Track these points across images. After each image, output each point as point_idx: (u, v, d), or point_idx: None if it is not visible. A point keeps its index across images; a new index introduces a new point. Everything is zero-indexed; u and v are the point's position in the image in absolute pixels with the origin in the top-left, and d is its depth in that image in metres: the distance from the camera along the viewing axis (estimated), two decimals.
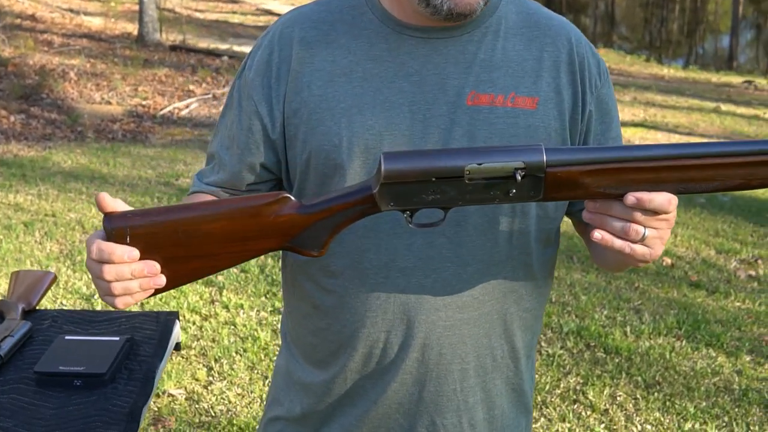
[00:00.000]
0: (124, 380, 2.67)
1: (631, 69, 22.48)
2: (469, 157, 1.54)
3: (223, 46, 17.98)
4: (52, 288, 3.52)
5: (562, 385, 4.96)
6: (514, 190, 1.56)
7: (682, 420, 4.66)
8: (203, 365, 5.07)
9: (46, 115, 12.55)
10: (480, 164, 1.53)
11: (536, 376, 5.01)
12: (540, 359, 5.24)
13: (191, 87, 14.65)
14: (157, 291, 1.61)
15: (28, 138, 11.49)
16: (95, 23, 18.81)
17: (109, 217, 1.56)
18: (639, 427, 4.59)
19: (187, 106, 13.59)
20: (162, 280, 1.58)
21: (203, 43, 18.03)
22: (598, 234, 1.58)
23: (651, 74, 21.88)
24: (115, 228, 1.55)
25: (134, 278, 1.56)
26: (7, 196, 8.38)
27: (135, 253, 1.55)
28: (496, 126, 1.77)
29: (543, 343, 5.46)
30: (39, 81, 13.58)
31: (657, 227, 1.58)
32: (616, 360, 5.30)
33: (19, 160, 10.22)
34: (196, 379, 4.91)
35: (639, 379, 5.08)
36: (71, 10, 19.77)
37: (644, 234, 1.56)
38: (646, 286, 6.57)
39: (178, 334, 3.22)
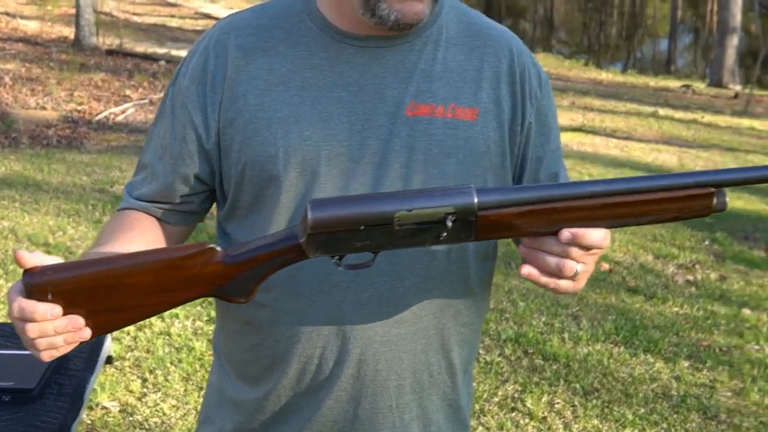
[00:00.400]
0: (53, 396, 2.62)
1: (570, 73, 22.63)
2: (398, 203, 1.51)
3: (161, 51, 17.83)
4: None
5: (500, 393, 4.93)
6: (445, 234, 1.54)
7: (620, 427, 4.65)
8: (137, 376, 4.98)
9: None
10: (410, 210, 1.51)
11: (474, 384, 4.99)
12: (478, 367, 5.21)
13: (128, 92, 14.49)
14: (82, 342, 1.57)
15: None
16: (31, 27, 18.59)
17: (29, 273, 1.50)
18: None
19: (123, 112, 13.43)
20: (86, 333, 1.53)
21: (140, 48, 17.88)
22: (525, 270, 1.57)
23: (589, 79, 22.04)
24: (36, 284, 1.50)
25: (58, 334, 1.51)
26: None
27: (57, 310, 1.50)
28: (435, 137, 1.74)
29: (481, 351, 5.42)
30: None
31: (588, 262, 1.57)
32: (554, 367, 5.28)
33: None
34: (130, 391, 4.82)
35: (577, 385, 5.06)
36: (7, 14, 19.52)
37: (577, 270, 1.55)
38: (584, 292, 6.55)
39: (109, 347, 3.17)
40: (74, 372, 2.83)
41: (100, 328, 1.57)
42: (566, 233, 1.51)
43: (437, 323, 1.83)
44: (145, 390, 4.83)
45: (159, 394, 4.79)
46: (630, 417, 4.73)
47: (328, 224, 1.52)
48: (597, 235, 1.52)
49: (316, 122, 1.73)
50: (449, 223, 1.50)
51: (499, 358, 5.34)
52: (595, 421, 4.69)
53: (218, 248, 1.59)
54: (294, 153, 1.72)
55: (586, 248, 1.53)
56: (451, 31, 1.83)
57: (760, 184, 1.58)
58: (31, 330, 1.49)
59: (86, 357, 2.96)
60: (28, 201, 8.33)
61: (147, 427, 4.50)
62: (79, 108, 13.32)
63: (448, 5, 1.86)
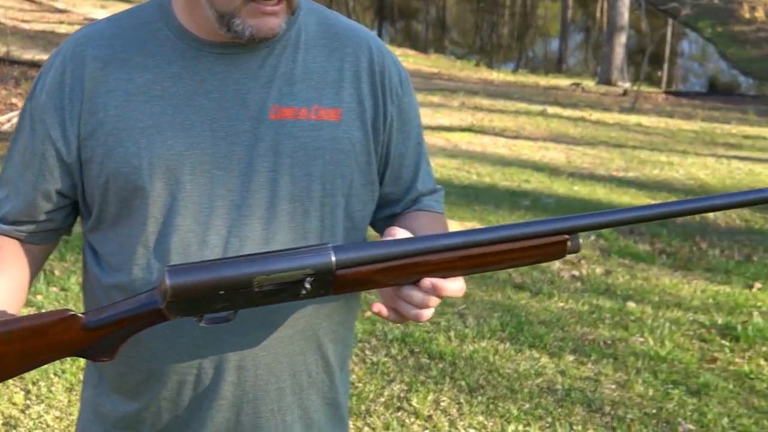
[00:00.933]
0: None
1: (461, 74, 22.79)
2: (257, 267, 1.53)
3: None
4: None
5: (386, 393, 4.91)
6: (304, 292, 1.56)
7: (505, 422, 4.66)
8: (20, 388, 4.87)
9: None
10: (269, 274, 1.53)
11: (360, 385, 4.97)
12: (364, 368, 5.20)
13: (14, 100, 14.21)
14: None
15: None
16: None
17: None
18: None
19: (8, 120, 13.18)
20: None
21: (28, 55, 17.52)
22: (376, 308, 1.63)
23: (480, 79, 22.21)
24: None
25: None
26: None
27: None
28: (300, 140, 1.75)
29: (367, 352, 5.41)
30: None
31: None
32: (440, 365, 5.28)
33: None
34: (13, 404, 4.71)
35: (463, 383, 5.07)
36: None
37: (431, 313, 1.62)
38: (470, 290, 6.58)
39: None
40: None
41: None
42: (427, 283, 1.57)
43: (313, 324, 1.83)
44: (28, 402, 4.72)
45: (42, 405, 4.68)
46: (515, 412, 4.75)
47: (186, 291, 1.52)
48: (455, 287, 1.60)
49: (179, 131, 1.72)
50: (307, 285, 1.54)
51: (386, 359, 5.32)
52: (480, 418, 4.70)
53: (79, 315, 1.59)
54: (158, 163, 1.71)
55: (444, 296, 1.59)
56: (310, 33, 1.84)
57: (610, 227, 1.66)
58: None
59: None
60: None
61: None
62: None
63: (306, 7, 1.86)
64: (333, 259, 1.55)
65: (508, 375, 5.20)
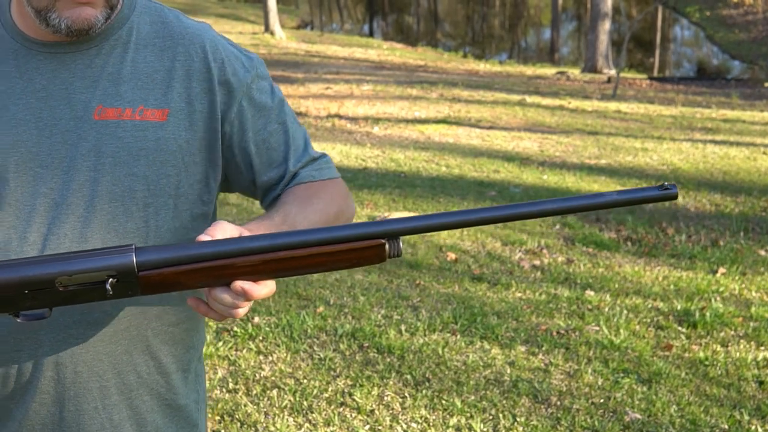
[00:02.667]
0: None
1: (447, 66, 22.79)
2: (57, 266, 1.53)
3: None
4: None
5: (330, 389, 4.88)
6: (111, 292, 1.55)
7: (448, 416, 4.63)
8: None
9: None
10: (70, 275, 1.53)
11: (304, 381, 4.95)
12: (311, 364, 5.17)
13: None
14: None
15: None
16: None
17: None
18: (404, 426, 4.54)
19: None
20: None
21: None
22: (191, 302, 1.63)
23: (466, 70, 22.21)
24: None
25: None
26: None
27: None
28: (123, 140, 1.75)
29: (316, 348, 5.38)
30: None
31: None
32: (388, 359, 5.25)
33: None
34: None
35: (409, 377, 5.04)
36: None
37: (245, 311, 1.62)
38: (427, 283, 6.56)
39: None
40: None
41: None
42: (238, 287, 1.56)
43: (138, 324, 1.82)
44: None
45: None
46: (459, 405, 4.71)
47: None
48: (265, 291, 1.58)
49: (5, 129, 1.73)
50: (109, 286, 1.53)
51: (334, 354, 5.29)
52: (423, 411, 4.67)
53: None
54: None
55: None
56: (143, 32, 1.84)
57: (428, 232, 1.63)
58: None
59: None
60: None
61: None
62: None
63: (141, 6, 1.87)
64: (134, 260, 1.54)
65: (455, 368, 5.17)
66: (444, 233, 7.66)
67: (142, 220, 1.77)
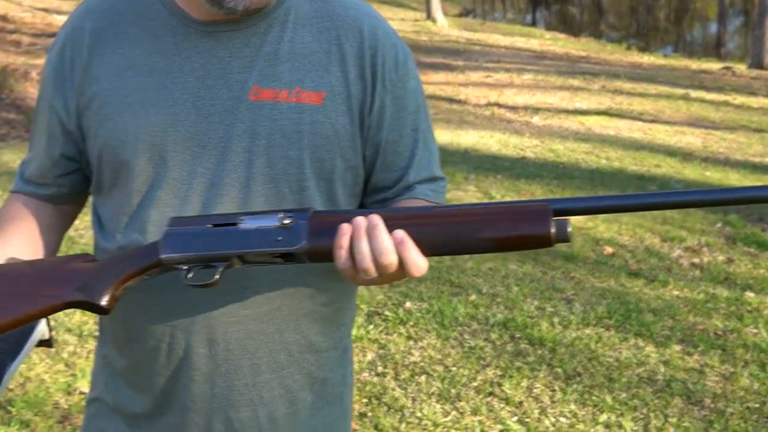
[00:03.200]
0: None
1: (611, 57, 22.42)
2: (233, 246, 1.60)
3: None
4: None
5: (479, 378, 4.86)
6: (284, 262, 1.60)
7: (598, 412, 4.56)
8: None
9: (3, 115, 12.42)
10: (242, 257, 1.60)
11: (454, 368, 4.93)
12: (461, 352, 5.15)
13: None
14: None
15: None
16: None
17: None
18: (553, 420, 4.49)
19: None
20: None
21: None
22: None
23: (629, 62, 21.80)
24: None
25: None
26: None
27: None
28: (279, 122, 1.74)
29: (466, 336, 5.36)
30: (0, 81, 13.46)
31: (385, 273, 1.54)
32: (539, 351, 5.20)
33: None
34: None
35: (559, 370, 4.98)
36: (45, 10, 19.63)
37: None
38: (582, 276, 6.47)
39: (42, 331, 3.13)
40: None
41: None
42: (399, 234, 1.51)
43: (291, 304, 1.81)
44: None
45: None
46: (609, 402, 4.63)
47: (180, 222, 1.64)
48: (416, 255, 1.51)
49: (163, 108, 1.74)
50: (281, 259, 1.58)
51: (484, 343, 5.27)
52: (573, 406, 4.61)
53: (91, 256, 1.72)
54: (142, 139, 1.73)
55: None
56: (301, 12, 1.81)
57: (604, 213, 1.56)
58: None
59: (14, 340, 2.94)
60: None
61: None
62: None
63: None
64: (305, 244, 1.57)
65: (608, 363, 5.08)
66: (602, 226, 7.55)
67: (296, 203, 1.75)
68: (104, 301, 1.63)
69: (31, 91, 13.46)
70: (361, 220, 1.52)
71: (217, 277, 1.60)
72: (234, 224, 1.59)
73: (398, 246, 1.50)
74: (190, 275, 1.61)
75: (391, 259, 1.50)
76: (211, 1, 1.68)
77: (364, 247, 1.51)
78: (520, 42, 23.78)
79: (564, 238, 1.51)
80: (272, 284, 1.77)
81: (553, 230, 1.50)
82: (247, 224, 1.58)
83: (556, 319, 5.64)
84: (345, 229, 1.52)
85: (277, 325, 1.81)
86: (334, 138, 1.76)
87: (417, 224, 1.52)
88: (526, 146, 11.74)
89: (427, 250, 1.52)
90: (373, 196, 1.90)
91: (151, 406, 1.87)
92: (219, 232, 1.60)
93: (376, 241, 1.50)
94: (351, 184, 1.83)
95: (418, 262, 1.51)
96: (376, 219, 1.51)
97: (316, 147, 1.75)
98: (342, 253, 1.52)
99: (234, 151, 1.73)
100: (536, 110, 14.43)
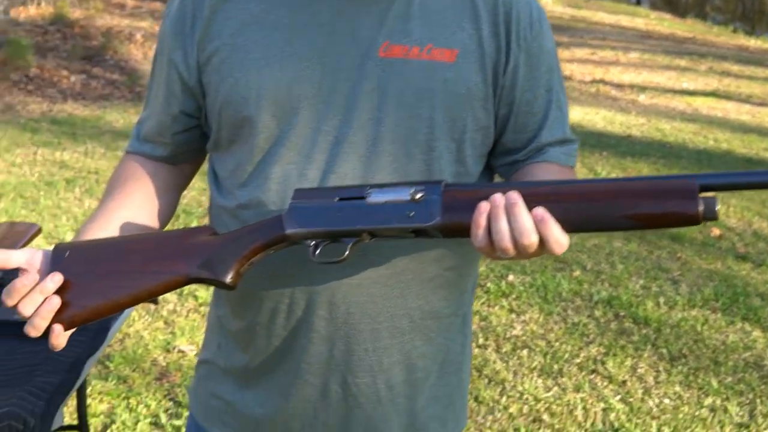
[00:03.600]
0: (77, 330, 2.61)
1: (717, 40, 21.99)
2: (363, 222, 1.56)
3: None
4: (38, 240, 3.46)
5: (582, 355, 4.80)
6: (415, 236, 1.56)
7: (703, 395, 4.47)
8: None
9: (107, 75, 12.57)
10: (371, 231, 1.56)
11: (556, 344, 4.88)
12: (564, 327, 5.09)
13: None
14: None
15: (86, 98, 11.52)
16: None
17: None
18: (656, 401, 4.41)
19: None
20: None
21: None
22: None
23: (736, 45, 21.37)
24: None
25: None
26: (53, 153, 8.41)
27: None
28: (409, 79, 1.67)
29: (569, 312, 5.30)
30: (104, 42, 13.58)
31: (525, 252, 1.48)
32: (644, 331, 5.12)
33: (72, 119, 10.27)
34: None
35: (664, 351, 4.89)
36: None
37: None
38: (688, 257, 6.35)
39: None
40: None
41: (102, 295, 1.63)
42: (539, 211, 1.43)
43: (415, 267, 1.75)
44: None
45: None
46: (715, 385, 4.54)
47: (304, 195, 1.60)
48: (558, 232, 1.45)
49: (288, 64, 1.68)
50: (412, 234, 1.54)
51: (587, 320, 5.20)
52: (677, 388, 4.52)
53: (213, 229, 1.68)
54: (266, 95, 1.68)
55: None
56: None
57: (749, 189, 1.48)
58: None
59: None
60: None
61: None
62: None
63: None
64: (438, 220, 1.52)
65: (714, 347, 4.98)
66: None
67: (424, 163, 1.70)
68: (229, 278, 1.61)
69: (134, 53, 13.61)
70: (498, 198, 1.46)
71: (347, 253, 1.57)
72: (362, 197, 1.54)
73: (539, 224, 1.43)
74: (317, 251, 1.58)
75: (532, 239, 1.44)
76: None
77: (503, 225, 1.45)
78: (625, 21, 23.44)
79: (712, 216, 1.43)
80: (396, 247, 1.72)
81: (701, 208, 1.42)
82: (376, 198, 1.53)
83: (661, 299, 5.55)
84: (483, 207, 1.46)
85: (401, 289, 1.75)
86: (467, 97, 1.70)
87: (557, 201, 1.46)
88: (633, 124, 11.59)
89: (568, 227, 1.45)
90: (503, 158, 1.84)
91: (264, 367, 1.85)
92: (347, 207, 1.55)
93: (516, 219, 1.44)
94: (480, 145, 1.77)
95: (561, 240, 1.44)
96: (516, 196, 1.45)
97: (448, 106, 1.69)
98: (480, 232, 1.46)
99: (361, 108, 1.67)
100: (642, 89, 14.21)
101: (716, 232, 6.90)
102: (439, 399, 1.92)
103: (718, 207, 1.43)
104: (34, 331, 1.55)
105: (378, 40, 1.67)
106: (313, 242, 1.58)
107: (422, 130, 1.68)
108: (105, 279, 1.59)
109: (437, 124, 1.68)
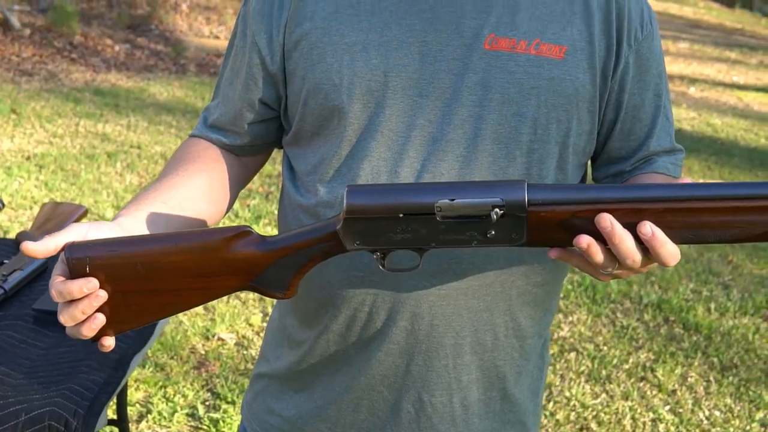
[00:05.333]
0: None
1: (766, 32, 21.75)
2: (441, 193, 1.38)
3: None
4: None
5: (631, 360, 4.67)
6: (493, 231, 1.39)
7: (754, 408, 4.35)
8: (260, 311, 4.91)
9: (152, 46, 12.53)
10: (452, 200, 1.37)
11: (605, 348, 4.76)
12: (612, 330, 4.97)
13: None
14: (117, 329, 1.50)
15: (130, 68, 11.48)
16: None
17: (70, 247, 1.44)
18: (707, 413, 4.28)
19: None
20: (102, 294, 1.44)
21: None
22: (561, 253, 1.42)
23: None
24: (76, 258, 1.43)
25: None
26: (96, 126, 8.35)
27: (94, 283, 1.42)
28: (515, 75, 1.56)
29: (618, 314, 5.18)
30: (149, 12, 13.56)
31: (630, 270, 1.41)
32: (694, 338, 4.99)
33: (115, 89, 10.22)
34: (250, 325, 4.76)
35: (715, 360, 4.76)
36: None
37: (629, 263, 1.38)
38: (740, 261, 6.21)
39: None
40: None
41: (144, 313, 1.51)
42: (647, 229, 1.33)
43: (504, 280, 1.65)
44: (264, 324, 4.74)
45: None
46: (766, 399, 4.41)
47: (364, 209, 1.42)
48: (670, 249, 1.35)
49: (385, 51, 1.57)
50: (494, 217, 1.37)
51: (637, 323, 5.08)
52: (728, 400, 4.40)
53: (254, 233, 1.50)
54: (359, 83, 1.58)
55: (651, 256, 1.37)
56: None
57: None
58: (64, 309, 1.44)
59: None
60: (184, 128, 8.40)
61: None
62: None
63: None
64: (525, 193, 1.37)
65: (765, 357, 4.86)
66: None
67: (524, 166, 1.59)
68: (284, 293, 1.52)
69: (180, 23, 13.57)
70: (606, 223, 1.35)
71: (419, 262, 1.47)
72: (431, 214, 1.40)
73: (650, 241, 1.33)
74: (384, 261, 1.47)
75: (635, 259, 1.35)
76: None
77: (601, 253, 1.36)
78: (674, 9, 23.24)
79: None
80: (487, 257, 1.62)
81: None
82: (449, 212, 1.39)
83: (712, 305, 5.42)
84: (583, 239, 1.35)
85: (488, 303, 1.65)
86: (574, 97, 1.59)
87: (662, 212, 1.35)
88: (683, 118, 11.43)
89: (677, 240, 1.36)
90: (608, 168, 1.74)
91: (332, 381, 1.76)
92: (413, 223, 1.43)
93: (617, 248, 1.35)
94: (581, 151, 1.66)
95: (673, 252, 1.35)
96: (609, 222, 1.34)
97: (553, 106, 1.58)
98: (577, 259, 1.40)
99: (462, 104, 1.57)
100: (692, 81, 14.04)
101: None
102: (514, 424, 1.83)
103: None
104: (78, 336, 1.45)
105: (483, 32, 1.57)
106: (380, 254, 1.47)
107: (526, 131, 1.58)
108: (135, 297, 1.49)
109: (541, 124, 1.58)
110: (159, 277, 1.48)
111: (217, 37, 13.37)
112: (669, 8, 23.07)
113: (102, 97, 9.65)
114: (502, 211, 1.36)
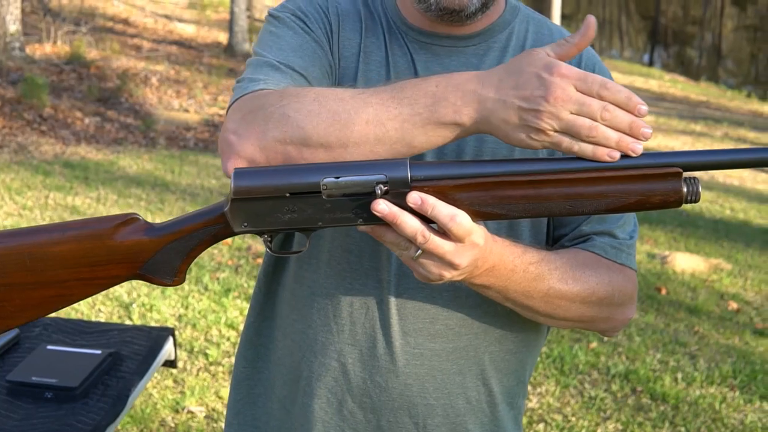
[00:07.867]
0: (97, 396, 2.56)
1: (730, 104, 21.98)
2: (326, 172, 1.42)
3: None
4: None
5: (599, 431, 4.69)
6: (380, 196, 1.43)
7: None
8: (230, 383, 4.89)
9: (121, 119, 12.57)
10: (337, 178, 1.41)
11: (573, 419, 4.78)
12: (581, 401, 4.99)
13: None
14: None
15: (99, 141, 11.51)
16: (188, 31, 18.87)
17: None
18: None
19: None
20: None
21: None
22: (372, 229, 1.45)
23: (750, 110, 21.33)
24: None
25: None
26: (65, 198, 8.36)
27: None
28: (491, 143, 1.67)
29: (586, 385, 5.20)
30: (120, 85, 13.61)
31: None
32: (662, 408, 5.01)
33: (85, 162, 10.23)
34: (220, 397, 4.75)
35: (683, 429, 4.79)
36: (166, 17, 19.89)
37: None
38: (706, 331, 6.25)
39: (169, 351, 3.08)
40: (124, 374, 2.78)
41: (37, 306, 1.52)
42: (415, 195, 1.38)
43: (478, 345, 1.71)
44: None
45: None
46: None
47: (251, 190, 1.44)
48: (449, 212, 1.38)
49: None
50: (379, 193, 1.40)
51: (605, 394, 5.10)
52: None
53: (141, 219, 1.53)
54: None
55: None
56: (521, 40, 1.75)
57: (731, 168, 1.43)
58: None
59: (141, 359, 2.89)
60: (154, 201, 8.41)
61: None
62: (221, 113, 13.49)
63: (524, 15, 1.79)
64: (408, 170, 1.40)
65: (732, 426, 4.88)
66: (726, 280, 7.30)
67: (501, 228, 1.69)
68: (172, 280, 1.55)
69: (150, 96, 13.62)
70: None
71: (306, 245, 1.55)
72: (317, 192, 1.43)
73: (421, 208, 1.39)
74: (271, 244, 1.53)
75: (424, 235, 1.39)
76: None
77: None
78: (639, 82, 23.46)
79: (695, 198, 1.42)
80: (463, 321, 1.68)
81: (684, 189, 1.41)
82: (335, 190, 1.42)
83: (679, 375, 5.44)
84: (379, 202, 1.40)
85: (460, 366, 1.71)
86: None
87: (541, 183, 1.42)
88: None
89: (557, 212, 1.44)
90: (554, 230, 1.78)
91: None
92: (300, 202, 1.46)
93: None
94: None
95: (466, 227, 1.39)
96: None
97: None
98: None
99: (467, 155, 1.68)
100: None
101: (733, 305, 6.80)
102: None
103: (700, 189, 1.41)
104: None
105: None
106: (267, 236, 1.52)
107: None
108: (21, 290, 1.50)
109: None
110: (46, 268, 1.49)
111: (186, 111, 13.43)
112: (634, 81, 23.31)
113: (72, 170, 9.65)
114: (386, 188, 1.40)
